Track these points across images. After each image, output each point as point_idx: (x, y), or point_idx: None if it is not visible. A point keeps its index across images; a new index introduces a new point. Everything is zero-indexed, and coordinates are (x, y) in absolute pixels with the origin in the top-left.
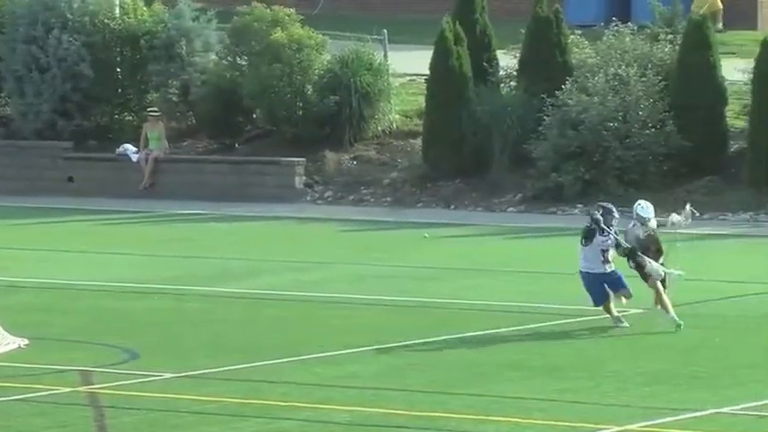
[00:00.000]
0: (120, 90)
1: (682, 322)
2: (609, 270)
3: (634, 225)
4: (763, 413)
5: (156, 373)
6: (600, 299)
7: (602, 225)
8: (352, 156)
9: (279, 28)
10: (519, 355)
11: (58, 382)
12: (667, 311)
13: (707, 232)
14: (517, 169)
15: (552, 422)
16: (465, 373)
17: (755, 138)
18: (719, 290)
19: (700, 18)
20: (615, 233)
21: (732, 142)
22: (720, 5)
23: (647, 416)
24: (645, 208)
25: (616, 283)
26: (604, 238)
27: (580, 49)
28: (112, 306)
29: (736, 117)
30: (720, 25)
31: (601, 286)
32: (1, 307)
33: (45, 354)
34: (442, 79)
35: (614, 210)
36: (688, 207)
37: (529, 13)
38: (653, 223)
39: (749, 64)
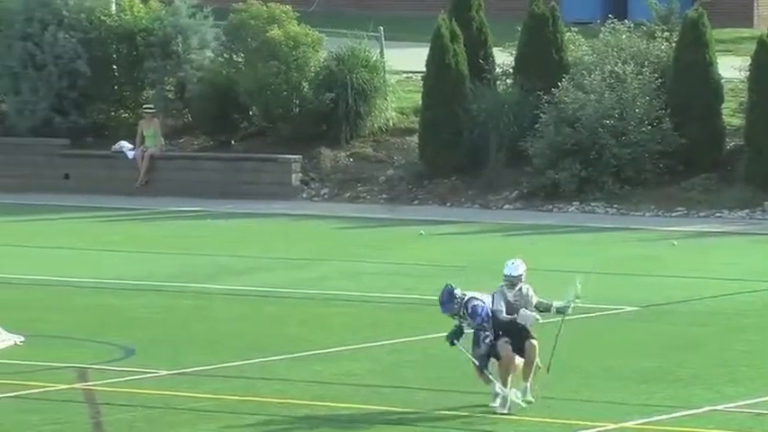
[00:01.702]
0: (116, 87)
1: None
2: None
3: (501, 288)
4: (759, 411)
5: (152, 370)
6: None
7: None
8: (348, 153)
9: (275, 25)
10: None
11: (53, 379)
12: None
13: (704, 230)
14: (513, 166)
15: (548, 419)
16: (461, 371)
17: (752, 135)
18: (716, 287)
19: (696, 15)
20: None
21: (728, 140)
22: None
23: (643, 413)
24: (514, 266)
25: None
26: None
27: (576, 47)
28: (109, 303)
29: (732, 115)
30: None
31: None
32: None
33: (40, 351)
34: (438, 76)
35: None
36: (578, 284)
37: (525, 10)
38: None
39: (745, 62)
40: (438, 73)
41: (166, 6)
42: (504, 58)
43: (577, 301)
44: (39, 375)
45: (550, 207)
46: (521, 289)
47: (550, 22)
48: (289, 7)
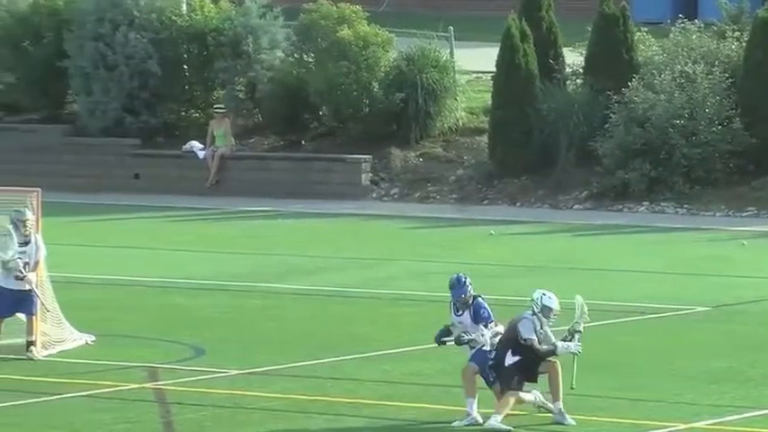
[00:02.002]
0: (186, 87)
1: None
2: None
3: (533, 314)
4: None
5: (222, 370)
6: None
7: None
8: (418, 153)
9: (345, 25)
10: (582, 352)
11: (124, 378)
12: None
13: None
14: (583, 166)
15: (617, 420)
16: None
17: None
18: None
19: (766, 15)
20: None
21: None
22: None
23: (713, 413)
24: (552, 299)
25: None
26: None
27: (647, 47)
28: (179, 303)
29: None
30: None
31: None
32: (68, 303)
33: (111, 350)
34: (508, 76)
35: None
36: (580, 299)
37: (595, 10)
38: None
39: None
40: (508, 73)
41: (237, 6)
42: (573, 57)
43: (585, 317)
44: (110, 375)
45: (620, 207)
46: (544, 325)
47: (621, 22)
48: (359, 7)
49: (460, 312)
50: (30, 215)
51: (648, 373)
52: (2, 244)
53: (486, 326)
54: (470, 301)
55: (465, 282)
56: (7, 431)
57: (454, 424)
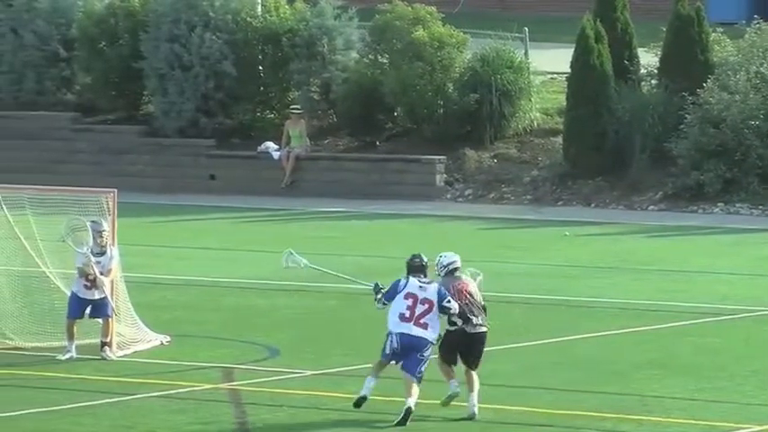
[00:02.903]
0: (261, 88)
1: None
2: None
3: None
4: None
5: (297, 371)
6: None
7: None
8: (492, 154)
9: (420, 26)
10: (658, 353)
11: (199, 378)
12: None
13: None
14: (658, 167)
15: (692, 421)
16: (604, 372)
17: None
18: None
19: None
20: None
21: None
22: None
23: None
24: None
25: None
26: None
27: (722, 47)
28: (254, 303)
29: None
30: None
31: None
32: (143, 304)
33: (187, 350)
34: (582, 77)
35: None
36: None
37: (670, 10)
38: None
39: None
40: (582, 74)
41: (312, 7)
42: (648, 58)
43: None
44: (185, 375)
45: (695, 208)
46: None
47: (695, 23)
48: (434, 8)
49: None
50: (106, 226)
51: (724, 375)
52: (78, 237)
53: None
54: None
55: None
56: (83, 431)
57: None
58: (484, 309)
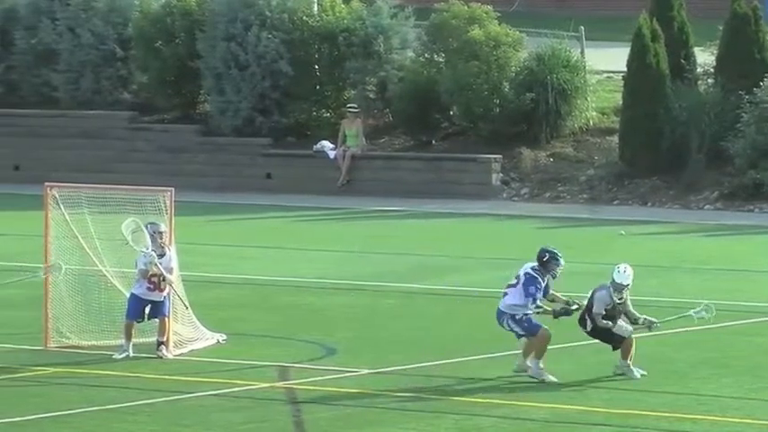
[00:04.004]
0: (317, 87)
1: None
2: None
3: (606, 289)
4: None
5: (352, 369)
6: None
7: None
8: (548, 153)
9: (476, 25)
10: (715, 352)
11: (255, 377)
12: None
13: None
14: (714, 166)
15: (749, 420)
16: (661, 371)
17: None
18: None
19: None
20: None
21: None
22: None
23: None
24: (623, 274)
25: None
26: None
27: None
28: (310, 302)
29: None
30: None
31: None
32: (200, 302)
33: (243, 349)
34: (639, 76)
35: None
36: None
37: (727, 9)
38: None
39: None
40: (639, 72)
41: (368, 7)
42: (705, 57)
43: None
44: (241, 374)
45: (752, 207)
46: (623, 297)
47: (752, 22)
48: (490, 7)
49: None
50: (164, 227)
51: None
52: (135, 238)
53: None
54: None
55: None
56: (138, 429)
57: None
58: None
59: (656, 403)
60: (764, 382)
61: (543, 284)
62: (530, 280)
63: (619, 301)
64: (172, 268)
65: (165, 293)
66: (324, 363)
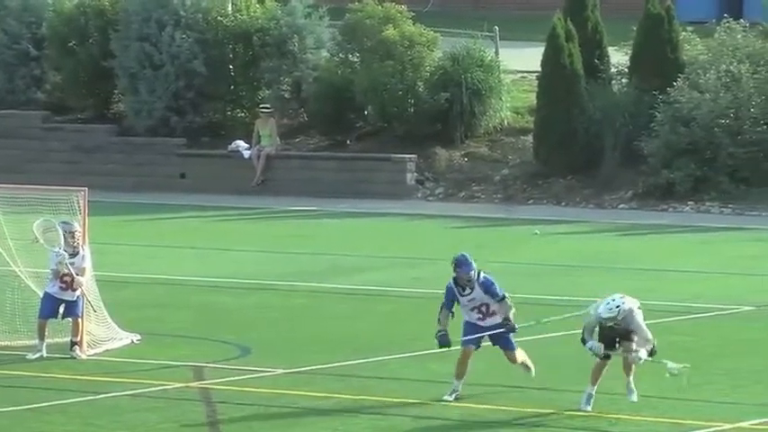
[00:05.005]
0: (232, 87)
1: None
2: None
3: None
4: None
5: (267, 369)
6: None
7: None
8: (463, 152)
9: (390, 25)
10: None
11: (170, 377)
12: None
13: None
14: (628, 166)
15: (662, 419)
16: (574, 371)
17: None
18: None
19: None
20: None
21: None
22: None
23: (760, 414)
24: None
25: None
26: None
27: (692, 46)
28: (225, 302)
29: None
30: None
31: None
32: (114, 302)
33: (157, 349)
34: (553, 76)
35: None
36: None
37: (640, 9)
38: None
39: None
40: (553, 72)
41: (282, 6)
42: (619, 57)
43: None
44: (156, 373)
45: (665, 207)
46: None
47: (666, 22)
48: (404, 7)
49: (468, 291)
50: (77, 226)
51: (696, 373)
52: (49, 238)
53: (502, 300)
54: (476, 278)
55: (470, 259)
56: (53, 429)
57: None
58: None
59: (568, 402)
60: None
61: (449, 297)
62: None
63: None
64: (84, 268)
65: (77, 293)
66: (238, 362)
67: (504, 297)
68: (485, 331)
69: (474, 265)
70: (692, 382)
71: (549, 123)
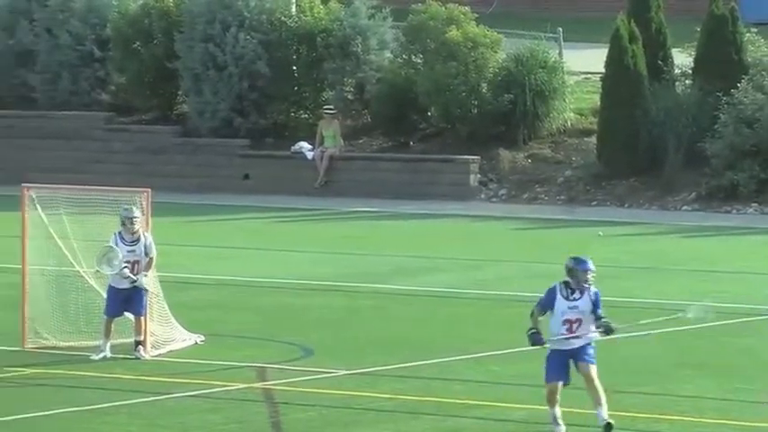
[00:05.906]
0: (296, 88)
1: None
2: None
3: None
4: None
5: (330, 370)
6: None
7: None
8: (526, 154)
9: (454, 26)
10: (692, 353)
11: (233, 378)
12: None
13: None
14: (692, 167)
15: (726, 421)
16: (638, 372)
17: None
18: None
19: None
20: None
21: None
22: None
23: None
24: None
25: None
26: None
27: (756, 47)
28: (288, 303)
29: None
30: None
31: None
32: (178, 303)
33: (221, 350)
34: (616, 77)
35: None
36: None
37: (704, 10)
38: None
39: None
40: (617, 74)
41: (346, 7)
42: (682, 58)
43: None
44: (219, 374)
45: (729, 208)
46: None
47: (730, 23)
48: (468, 8)
49: (577, 296)
50: (137, 213)
51: (758, 375)
52: (107, 259)
53: (599, 320)
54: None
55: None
56: (115, 430)
57: None
58: None
59: (632, 403)
60: (740, 382)
61: (548, 298)
62: None
63: None
64: (151, 258)
65: (140, 278)
66: (301, 363)
67: (602, 317)
68: (570, 348)
69: None
70: (757, 385)
71: (613, 125)
